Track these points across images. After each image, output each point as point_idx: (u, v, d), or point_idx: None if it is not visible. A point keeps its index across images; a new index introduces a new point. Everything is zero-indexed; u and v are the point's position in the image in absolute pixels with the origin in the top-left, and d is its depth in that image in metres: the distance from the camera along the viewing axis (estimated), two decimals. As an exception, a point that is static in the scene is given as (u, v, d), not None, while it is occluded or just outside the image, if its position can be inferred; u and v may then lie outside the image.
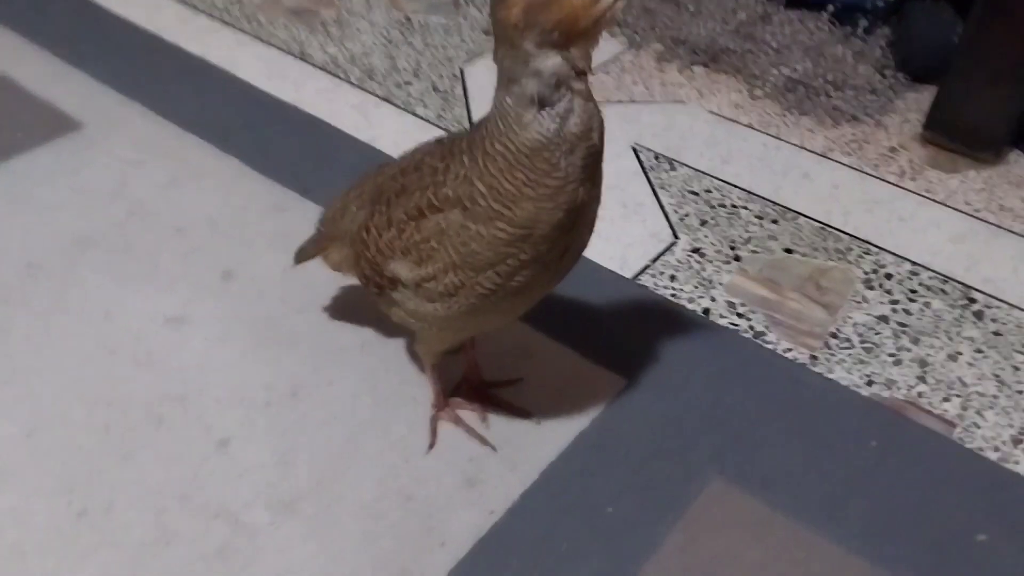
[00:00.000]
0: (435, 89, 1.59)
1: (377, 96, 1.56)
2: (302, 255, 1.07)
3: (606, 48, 1.71)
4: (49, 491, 0.95)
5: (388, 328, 1.12)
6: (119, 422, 1.02)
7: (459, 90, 1.59)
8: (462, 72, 1.64)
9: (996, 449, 1.06)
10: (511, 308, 0.87)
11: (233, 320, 1.14)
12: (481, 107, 1.55)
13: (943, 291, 1.26)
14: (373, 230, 0.88)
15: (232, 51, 1.65)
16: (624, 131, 1.52)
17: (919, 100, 1.63)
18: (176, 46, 1.65)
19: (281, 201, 1.32)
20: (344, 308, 1.16)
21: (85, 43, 1.63)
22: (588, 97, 0.76)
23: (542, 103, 0.74)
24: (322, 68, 1.62)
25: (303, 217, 1.28)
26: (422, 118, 1.52)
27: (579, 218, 0.80)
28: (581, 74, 0.74)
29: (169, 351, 1.10)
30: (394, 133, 1.47)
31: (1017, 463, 1.04)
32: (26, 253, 1.22)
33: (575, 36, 0.72)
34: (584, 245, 0.85)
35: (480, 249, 0.79)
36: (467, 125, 1.51)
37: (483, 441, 1.02)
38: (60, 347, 1.10)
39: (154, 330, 1.13)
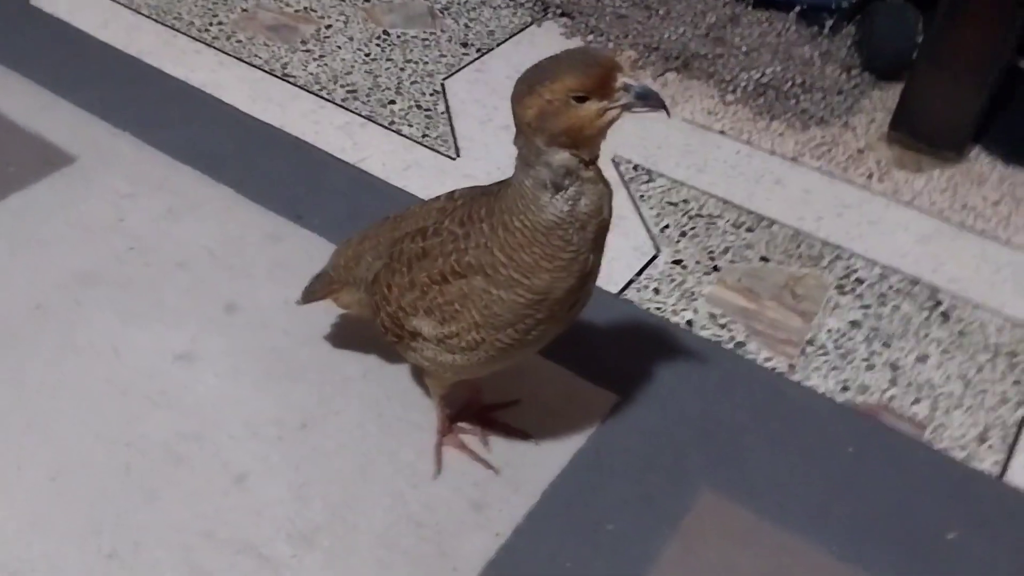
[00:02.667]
0: (418, 106, 1.63)
1: (362, 116, 1.60)
2: (310, 295, 1.12)
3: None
4: (78, 534, 1.00)
5: (388, 356, 1.18)
6: (139, 462, 1.07)
7: (441, 106, 1.63)
8: (443, 87, 1.68)
9: (963, 448, 1.13)
10: (525, 354, 0.95)
11: (240, 354, 1.19)
12: (463, 124, 1.60)
13: (911, 294, 1.33)
14: (395, 289, 0.94)
15: (215, 73, 1.68)
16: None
17: (884, 99, 1.69)
18: (159, 70, 1.67)
19: (276, 230, 1.37)
20: (345, 338, 1.21)
21: (68, 70, 1.65)
22: (597, 180, 0.83)
23: (555, 188, 0.81)
24: (305, 88, 1.65)
25: (299, 246, 1.34)
26: (408, 137, 1.56)
27: (588, 279, 0.88)
28: (588, 164, 0.82)
29: (181, 388, 1.15)
30: (382, 154, 1.52)
31: (982, 461, 1.12)
32: (33, 294, 1.25)
33: (581, 141, 0.80)
34: (590, 295, 0.92)
35: (501, 312, 0.87)
36: (452, 144, 1.55)
37: (486, 465, 1.08)
38: (74, 389, 1.14)
39: (164, 367, 1.17)
